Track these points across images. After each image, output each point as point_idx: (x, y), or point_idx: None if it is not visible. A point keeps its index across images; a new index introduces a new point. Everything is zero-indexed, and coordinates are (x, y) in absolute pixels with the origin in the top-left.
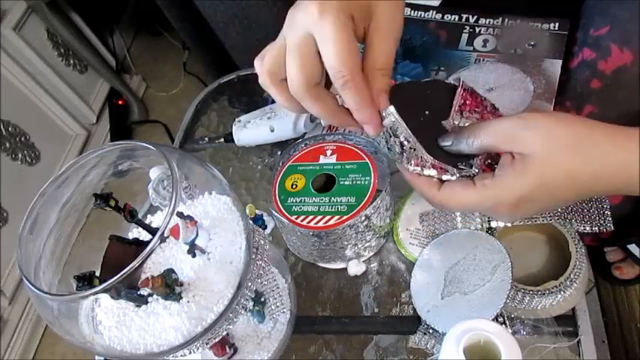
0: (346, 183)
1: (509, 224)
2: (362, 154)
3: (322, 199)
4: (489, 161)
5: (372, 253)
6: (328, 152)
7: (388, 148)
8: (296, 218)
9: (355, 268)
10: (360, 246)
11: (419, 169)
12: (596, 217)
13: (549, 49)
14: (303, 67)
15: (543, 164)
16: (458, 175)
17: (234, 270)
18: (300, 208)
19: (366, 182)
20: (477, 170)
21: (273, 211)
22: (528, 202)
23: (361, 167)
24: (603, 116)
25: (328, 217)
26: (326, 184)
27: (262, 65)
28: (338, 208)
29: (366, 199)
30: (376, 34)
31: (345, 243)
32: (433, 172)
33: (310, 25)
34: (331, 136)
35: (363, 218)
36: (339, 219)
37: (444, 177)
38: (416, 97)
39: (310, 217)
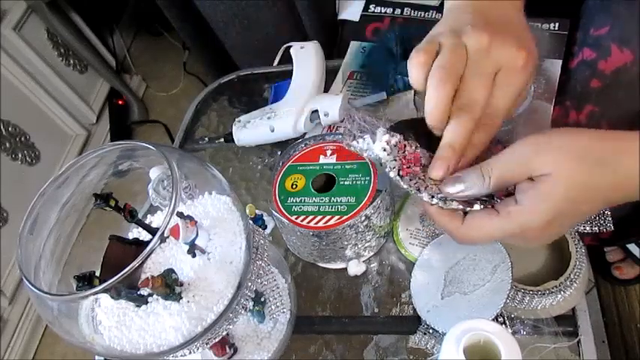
0: (346, 183)
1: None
2: None
3: (322, 199)
4: (508, 189)
5: (372, 253)
6: (328, 152)
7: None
8: (296, 218)
9: (355, 268)
10: (360, 246)
11: (442, 202)
12: (596, 217)
13: (549, 49)
14: (486, 95)
15: (566, 182)
16: (482, 206)
17: (234, 270)
18: (300, 208)
19: (366, 182)
20: (498, 200)
21: (273, 211)
22: (557, 222)
23: (361, 167)
24: (603, 116)
25: (328, 217)
26: (326, 184)
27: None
28: (338, 208)
29: (366, 199)
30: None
31: (345, 243)
32: (455, 205)
33: (505, 63)
34: (331, 136)
35: (363, 218)
36: (339, 219)
37: (468, 209)
38: (421, 132)
39: (310, 217)
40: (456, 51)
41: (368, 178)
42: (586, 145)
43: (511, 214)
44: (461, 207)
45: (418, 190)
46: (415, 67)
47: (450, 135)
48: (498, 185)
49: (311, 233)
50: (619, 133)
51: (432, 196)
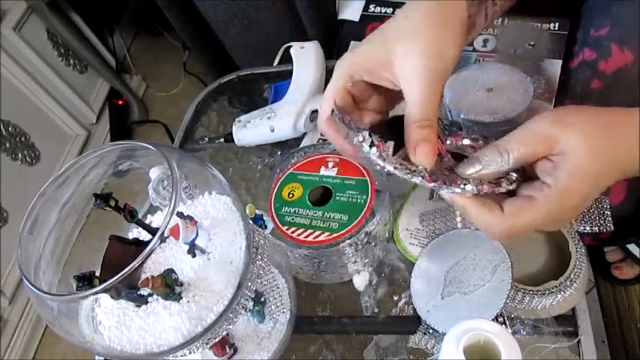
0: (342, 199)
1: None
2: (363, 170)
3: (316, 213)
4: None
5: (369, 267)
6: (330, 164)
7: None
8: (287, 229)
9: (360, 283)
10: (349, 269)
11: (475, 189)
12: (596, 217)
13: (549, 49)
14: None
15: (591, 158)
16: (510, 184)
17: (234, 270)
18: (293, 219)
19: (362, 201)
20: (517, 178)
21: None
22: (587, 197)
23: (360, 184)
24: None
25: (318, 232)
26: (322, 197)
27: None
28: (330, 225)
29: (358, 219)
30: (405, 86)
31: (331, 266)
32: (487, 188)
33: None
34: (331, 146)
35: (350, 243)
36: (328, 236)
37: (497, 190)
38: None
39: (301, 230)
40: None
41: (364, 196)
42: (606, 122)
43: (548, 198)
44: (490, 190)
45: (444, 183)
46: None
47: None
48: (518, 161)
49: (299, 251)
50: (631, 110)
51: (463, 185)
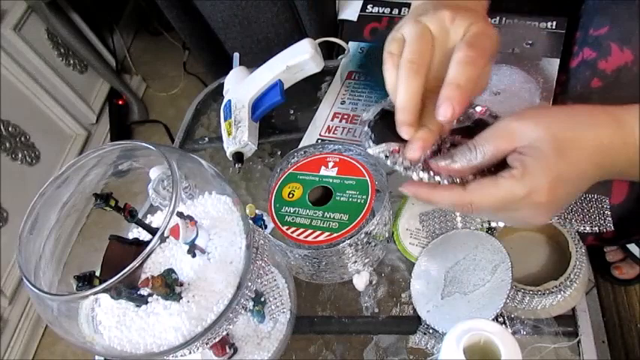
0: (342, 199)
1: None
2: (363, 170)
3: (316, 213)
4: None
5: (369, 268)
6: (330, 164)
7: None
8: (287, 229)
9: (360, 283)
10: (349, 268)
11: (437, 177)
12: (596, 217)
13: (547, 47)
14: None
15: (554, 143)
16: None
17: (234, 270)
18: (293, 219)
19: (362, 201)
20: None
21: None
22: (561, 182)
23: (360, 184)
24: None
25: (318, 232)
26: (323, 197)
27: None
28: (330, 225)
29: (358, 219)
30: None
31: (331, 266)
32: (449, 180)
33: (470, 29)
34: (331, 146)
35: (350, 243)
36: (328, 236)
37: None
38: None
39: (301, 230)
40: (420, 39)
41: (365, 196)
42: (566, 112)
43: (515, 177)
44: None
45: (406, 169)
46: (389, 71)
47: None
48: (487, 157)
49: (299, 250)
50: (595, 106)
51: (427, 172)
